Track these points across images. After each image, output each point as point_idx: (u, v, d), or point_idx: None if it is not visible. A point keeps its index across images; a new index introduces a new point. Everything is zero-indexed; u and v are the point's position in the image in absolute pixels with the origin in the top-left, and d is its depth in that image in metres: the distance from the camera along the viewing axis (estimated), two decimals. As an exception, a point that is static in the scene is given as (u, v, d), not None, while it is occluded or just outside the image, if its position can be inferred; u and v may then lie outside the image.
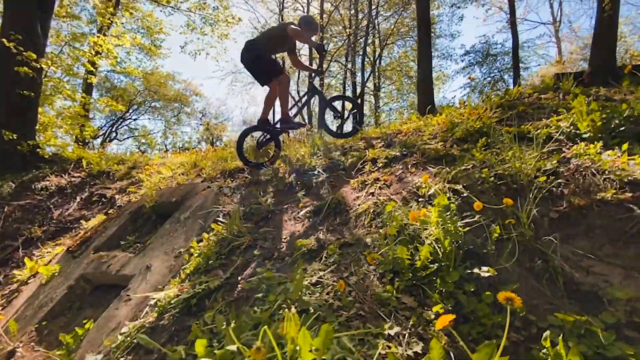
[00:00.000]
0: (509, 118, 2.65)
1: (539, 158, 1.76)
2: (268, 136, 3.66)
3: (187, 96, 19.36)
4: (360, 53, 14.56)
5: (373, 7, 14.24)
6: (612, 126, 1.85)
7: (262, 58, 3.38)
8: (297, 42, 3.72)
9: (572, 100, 2.72)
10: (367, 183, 2.27)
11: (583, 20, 20.59)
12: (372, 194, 2.10)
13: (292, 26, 3.29)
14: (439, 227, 1.44)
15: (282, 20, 12.41)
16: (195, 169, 4.61)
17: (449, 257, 1.38)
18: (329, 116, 3.74)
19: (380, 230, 1.68)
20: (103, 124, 17.31)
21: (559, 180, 1.63)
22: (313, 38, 3.68)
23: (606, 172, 1.56)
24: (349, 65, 14.65)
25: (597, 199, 1.48)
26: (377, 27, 15.36)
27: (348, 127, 3.90)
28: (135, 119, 19.17)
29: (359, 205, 2.02)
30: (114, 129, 18.14)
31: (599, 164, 1.61)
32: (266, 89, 3.49)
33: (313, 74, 3.83)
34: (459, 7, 11.91)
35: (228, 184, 3.38)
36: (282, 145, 3.78)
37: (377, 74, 15.97)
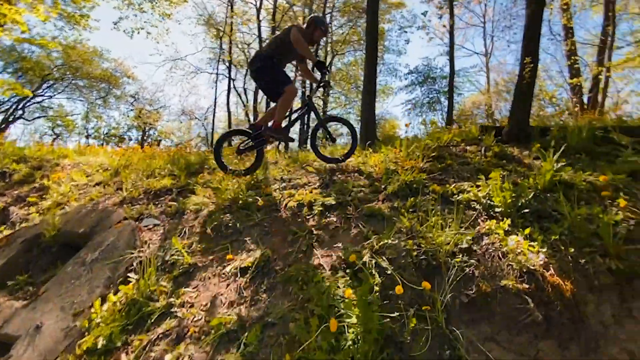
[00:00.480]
0: (440, 170, 2.83)
1: (458, 231, 1.88)
2: (251, 143, 3.33)
3: (118, 77, 17.26)
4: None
5: (328, 11, 14.26)
6: (520, 204, 2.06)
7: (265, 68, 3.09)
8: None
9: (492, 156, 3.01)
10: (299, 235, 2.22)
11: (510, 57, 23.26)
12: (304, 251, 2.06)
13: (295, 30, 3.02)
14: (361, 315, 1.45)
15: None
16: (115, 180, 4.11)
17: (369, 346, 1.40)
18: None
19: (306, 305, 1.65)
20: (4, 99, 14.53)
21: (472, 260, 1.76)
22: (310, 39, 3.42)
23: (510, 256, 1.72)
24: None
25: (501, 286, 1.63)
26: (330, 31, 15.46)
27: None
28: (50, 97, 16.51)
29: (289, 266, 1.96)
30: (20, 107, 15.39)
31: (505, 247, 1.77)
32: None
33: (314, 88, 3.56)
34: (405, 32, 12.55)
35: (151, 209, 3.07)
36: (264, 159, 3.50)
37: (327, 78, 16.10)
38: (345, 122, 3.62)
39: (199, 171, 4.04)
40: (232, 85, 13.80)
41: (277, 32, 3.93)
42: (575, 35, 7.83)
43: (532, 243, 1.77)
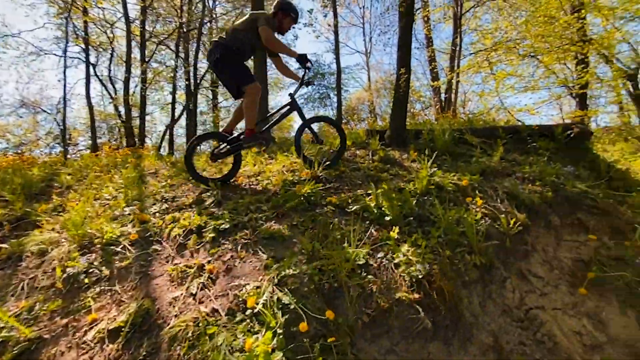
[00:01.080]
0: (335, 178, 2.86)
1: (355, 248, 1.91)
2: (228, 147, 2.94)
3: None
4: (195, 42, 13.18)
5: (211, -6, 13.08)
6: (405, 211, 2.23)
7: (225, 60, 2.67)
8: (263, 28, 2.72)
9: (378, 161, 3.22)
10: (188, 273, 1.90)
11: (386, 58, 26.18)
12: (194, 295, 1.77)
13: (264, 23, 2.59)
14: (265, 368, 1.30)
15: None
16: None
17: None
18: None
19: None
20: None
21: (370, 276, 1.81)
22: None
23: (402, 267, 1.84)
24: (184, 54, 12.99)
25: (396, 299, 1.72)
26: (214, 16, 14.28)
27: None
28: None
29: (175, 316, 1.64)
30: None
31: (397, 259, 1.88)
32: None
33: (297, 86, 3.20)
34: (293, 27, 12.58)
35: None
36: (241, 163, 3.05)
37: (215, 67, 14.91)
38: (332, 122, 3.35)
39: (46, 192, 3.14)
40: (92, 72, 11.33)
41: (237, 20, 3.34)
42: (434, 44, 9.31)
43: (418, 250, 1.93)
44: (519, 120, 11.31)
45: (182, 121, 14.74)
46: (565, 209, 2.81)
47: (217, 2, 13.71)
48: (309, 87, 3.00)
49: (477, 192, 2.65)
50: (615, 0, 9.75)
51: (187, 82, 11.47)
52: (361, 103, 16.20)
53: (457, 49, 8.53)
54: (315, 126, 3.38)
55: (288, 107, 3.14)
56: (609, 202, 3.10)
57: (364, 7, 16.21)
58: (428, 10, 8.52)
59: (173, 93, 12.04)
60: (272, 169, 3.08)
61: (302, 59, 2.88)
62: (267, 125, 3.14)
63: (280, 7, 2.87)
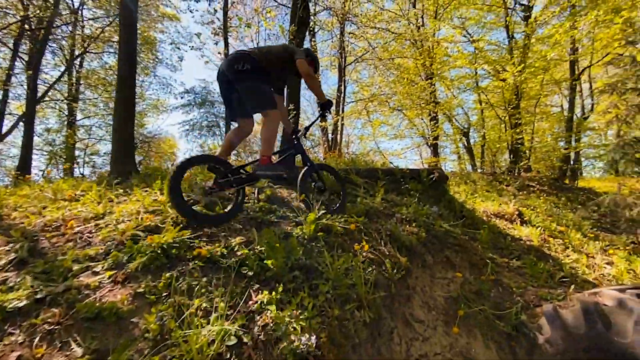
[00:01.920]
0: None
1: (222, 325, 1.44)
2: (231, 180, 2.45)
3: None
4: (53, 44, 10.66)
5: (76, -5, 11.03)
6: (291, 263, 1.91)
7: (254, 75, 2.39)
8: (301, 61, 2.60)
9: (265, 200, 2.87)
10: None
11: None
12: None
13: (303, 57, 2.55)
14: None
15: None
16: None
17: None
18: None
19: None
20: None
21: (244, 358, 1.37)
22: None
23: (284, 343, 1.47)
24: (28, 57, 10.24)
25: (276, 389, 1.33)
26: (79, 20, 12.03)
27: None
28: None
29: None
30: None
31: (279, 331, 1.51)
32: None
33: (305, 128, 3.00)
34: (178, 48, 11.72)
35: None
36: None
37: (74, 78, 12.35)
38: (333, 172, 3.21)
39: None
40: None
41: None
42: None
43: (304, 314, 1.61)
44: (392, 163, 13.03)
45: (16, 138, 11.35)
46: (436, 247, 3.03)
47: (83, 5, 11.64)
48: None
49: (363, 234, 2.58)
50: (454, 74, 12.71)
51: (27, 91, 8.97)
52: (254, 135, 15.91)
53: (342, 95, 9.36)
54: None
55: (293, 150, 2.87)
56: (466, 239, 3.54)
57: (257, 43, 16.57)
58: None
59: (3, 101, 9.20)
60: (125, 210, 2.35)
61: (328, 105, 2.87)
62: (281, 158, 2.84)
63: (309, 55, 2.75)
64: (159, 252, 1.87)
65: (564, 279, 3.17)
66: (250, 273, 1.83)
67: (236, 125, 2.72)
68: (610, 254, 4.89)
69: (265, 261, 1.88)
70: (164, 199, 2.48)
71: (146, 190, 2.78)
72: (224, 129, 10.77)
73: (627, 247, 5.48)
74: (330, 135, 10.35)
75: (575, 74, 10.40)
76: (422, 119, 12.93)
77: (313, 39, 9.12)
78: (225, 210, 2.43)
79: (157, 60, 13.50)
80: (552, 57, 10.37)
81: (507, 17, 10.58)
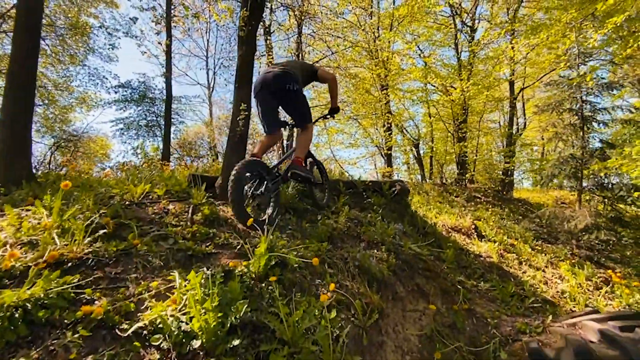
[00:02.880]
0: (114, 257, 1.67)
1: None
2: (266, 185, 2.42)
3: None
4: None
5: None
6: (230, 322, 1.34)
7: (301, 93, 2.68)
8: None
9: (201, 223, 2.24)
10: None
11: (229, 95, 25.80)
12: None
13: (321, 68, 3.08)
14: None
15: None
16: None
17: None
18: None
19: None
20: None
21: None
22: None
23: None
24: None
25: None
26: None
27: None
28: None
29: None
30: None
31: None
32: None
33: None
34: (110, 34, 10.26)
35: None
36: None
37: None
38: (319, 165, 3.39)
39: None
40: None
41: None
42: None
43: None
44: (347, 172, 12.85)
45: None
46: (406, 274, 2.65)
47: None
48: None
49: (327, 266, 2.09)
50: (406, 87, 13.04)
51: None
52: (199, 138, 14.73)
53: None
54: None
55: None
56: (433, 260, 3.24)
57: (208, 40, 15.50)
58: (272, 56, 8.64)
59: None
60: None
61: (336, 111, 3.16)
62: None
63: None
64: (16, 316, 1.18)
65: (534, 305, 3.00)
66: (166, 345, 1.22)
67: (270, 134, 2.78)
68: (558, 267, 5.05)
69: (190, 324, 1.28)
70: (51, 223, 1.74)
71: (28, 209, 1.99)
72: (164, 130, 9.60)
73: (568, 259, 5.77)
74: (285, 142, 9.80)
75: (514, 93, 11.23)
76: (376, 129, 13.01)
77: (268, 38, 8.57)
78: (268, 214, 2.38)
79: (88, 49, 11.76)
80: (494, 77, 11.10)
81: (455, 35, 11.11)
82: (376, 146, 12.89)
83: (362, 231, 2.83)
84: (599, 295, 4.36)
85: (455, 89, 10.19)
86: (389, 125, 11.71)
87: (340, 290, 1.92)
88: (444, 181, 11.63)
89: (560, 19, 4.75)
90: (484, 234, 5.27)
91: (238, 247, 2.00)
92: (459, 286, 2.88)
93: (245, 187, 2.26)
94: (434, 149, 13.41)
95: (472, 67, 11.02)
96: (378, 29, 12.31)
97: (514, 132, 12.94)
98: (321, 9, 8.65)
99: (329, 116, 3.27)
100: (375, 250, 2.57)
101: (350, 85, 12.26)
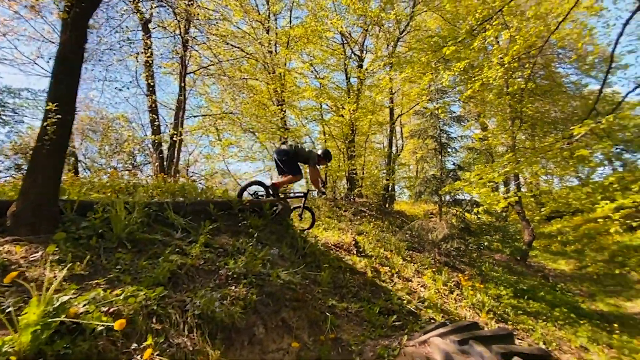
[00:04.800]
0: None
1: None
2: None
3: None
4: None
5: None
6: None
7: (291, 160, 4.62)
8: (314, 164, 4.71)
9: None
10: None
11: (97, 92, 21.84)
12: None
13: (313, 165, 4.67)
14: None
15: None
16: None
17: None
18: None
19: None
20: None
21: None
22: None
23: None
24: None
25: None
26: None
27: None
28: None
29: None
30: None
31: None
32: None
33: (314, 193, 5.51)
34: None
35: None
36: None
37: None
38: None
39: None
40: None
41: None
42: (157, 94, 8.33)
43: None
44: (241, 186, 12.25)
45: None
46: (270, 309, 2.39)
47: None
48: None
49: (155, 320, 1.64)
50: (303, 105, 13.39)
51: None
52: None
53: (182, 106, 8.02)
54: None
55: (303, 196, 4.99)
56: (306, 287, 3.09)
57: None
58: (149, 55, 7.56)
59: None
60: None
61: (323, 193, 5.13)
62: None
63: (327, 157, 4.79)
64: None
65: (395, 323, 3.13)
66: None
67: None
68: (423, 275, 5.65)
69: None
70: None
71: None
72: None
73: (431, 266, 6.58)
74: (165, 151, 8.63)
75: (393, 119, 12.74)
76: (273, 143, 12.88)
77: (145, 35, 7.48)
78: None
79: None
80: (377, 102, 12.41)
81: (345, 62, 12.01)
82: (273, 161, 12.74)
83: (223, 263, 2.46)
84: (452, 299, 5.02)
85: (345, 110, 10.92)
86: (285, 140, 11.73)
87: (168, 351, 1.50)
88: (336, 196, 12.21)
89: (420, 59, 5.51)
90: (363, 248, 5.52)
91: (20, 301, 1.38)
92: (328, 313, 2.78)
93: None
94: (329, 165, 14.06)
95: (359, 92, 12.06)
96: (275, 45, 12.37)
97: (393, 152, 14.66)
98: (212, 13, 8.11)
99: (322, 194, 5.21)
100: (234, 287, 2.23)
101: (247, 98, 11.89)
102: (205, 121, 11.90)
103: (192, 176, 10.46)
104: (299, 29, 10.93)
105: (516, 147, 8.25)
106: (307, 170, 5.79)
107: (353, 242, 5.56)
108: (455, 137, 8.13)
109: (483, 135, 10.41)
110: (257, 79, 11.46)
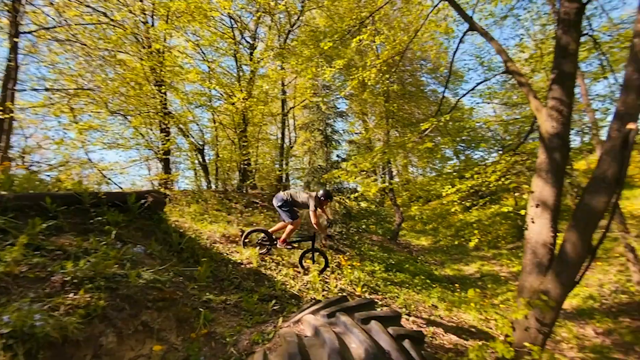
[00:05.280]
0: None
1: None
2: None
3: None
4: None
5: None
6: None
7: (288, 206, 4.87)
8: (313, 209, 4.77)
9: None
10: None
11: None
12: None
13: (314, 209, 4.70)
14: None
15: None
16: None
17: None
18: None
19: None
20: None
21: None
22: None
23: None
24: None
25: None
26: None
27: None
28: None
29: None
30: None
31: None
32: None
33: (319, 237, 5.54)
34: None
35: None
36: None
37: None
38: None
39: None
40: None
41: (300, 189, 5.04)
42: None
43: None
44: (109, 178, 10.42)
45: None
46: (126, 314, 2.08)
47: None
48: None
49: None
50: (189, 89, 12.19)
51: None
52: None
53: (13, 75, 6.21)
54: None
55: (310, 239, 5.14)
56: (178, 284, 2.83)
57: None
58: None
59: None
60: None
61: (329, 237, 5.90)
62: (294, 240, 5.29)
63: (328, 197, 4.91)
64: None
65: (275, 307, 3.18)
66: None
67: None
68: (307, 260, 5.95)
69: None
70: None
71: None
72: None
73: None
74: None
75: (285, 110, 12.90)
76: (150, 129, 11.35)
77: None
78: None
79: None
80: (270, 93, 12.34)
81: (235, 47, 11.47)
82: (150, 149, 11.23)
83: (58, 267, 2.00)
84: (333, 279, 5.45)
85: (236, 98, 10.46)
86: (165, 126, 10.49)
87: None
88: (227, 188, 11.70)
89: (303, 52, 5.70)
90: (250, 239, 5.44)
91: None
92: (202, 309, 2.61)
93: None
94: (220, 156, 13.30)
95: (252, 81, 11.72)
96: (153, 17, 10.85)
97: (286, 144, 14.91)
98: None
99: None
100: (72, 294, 1.84)
101: (116, 74, 10.08)
102: (54, 97, 9.56)
103: (32, 165, 8.29)
104: (179, 2, 9.79)
105: (387, 142, 9.48)
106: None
107: (240, 233, 5.41)
108: (339, 131, 8.78)
109: (364, 130, 11.66)
110: (127, 53, 9.85)
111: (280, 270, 4.74)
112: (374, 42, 4.95)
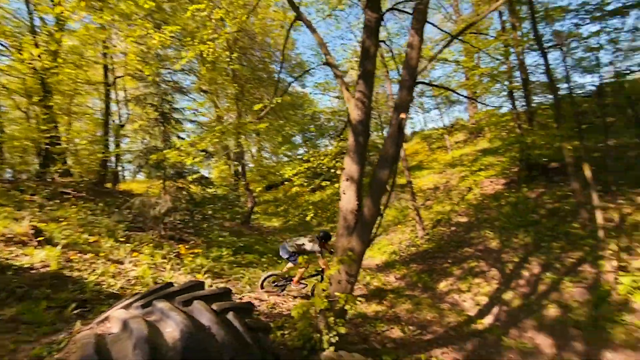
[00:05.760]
0: None
1: None
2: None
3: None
4: None
5: None
6: None
7: (291, 255, 5.32)
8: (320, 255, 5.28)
9: None
10: None
11: None
12: None
13: (319, 254, 5.21)
14: None
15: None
16: None
17: None
18: None
19: None
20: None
21: None
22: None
23: None
24: None
25: None
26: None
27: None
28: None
29: None
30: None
31: None
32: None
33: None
34: None
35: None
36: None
37: None
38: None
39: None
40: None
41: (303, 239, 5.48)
42: None
43: None
44: None
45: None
46: None
47: None
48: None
49: None
50: None
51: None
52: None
53: None
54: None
55: (317, 273, 5.73)
56: None
57: None
58: None
59: None
60: None
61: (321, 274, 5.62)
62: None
63: (327, 237, 5.38)
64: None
65: (75, 312, 2.63)
66: None
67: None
68: (138, 254, 5.21)
69: None
70: None
71: None
72: None
73: (153, 243, 6.23)
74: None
75: (108, 79, 10.61)
76: None
77: None
78: None
79: None
80: (86, 55, 9.82)
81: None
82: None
83: None
84: (169, 270, 4.99)
85: (25, 53, 7.77)
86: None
87: None
88: (17, 177, 8.77)
89: (118, 6, 4.79)
90: (49, 238, 4.27)
91: None
92: None
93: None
94: (5, 132, 9.74)
95: (56, 37, 8.96)
96: None
97: (115, 121, 12.40)
98: None
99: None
100: None
101: None
102: None
103: None
104: None
105: (229, 123, 9.29)
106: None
107: (32, 232, 4.15)
108: (181, 109, 7.97)
109: (216, 112, 10.97)
110: None
111: (94, 270, 3.94)
112: (212, 14, 4.64)
